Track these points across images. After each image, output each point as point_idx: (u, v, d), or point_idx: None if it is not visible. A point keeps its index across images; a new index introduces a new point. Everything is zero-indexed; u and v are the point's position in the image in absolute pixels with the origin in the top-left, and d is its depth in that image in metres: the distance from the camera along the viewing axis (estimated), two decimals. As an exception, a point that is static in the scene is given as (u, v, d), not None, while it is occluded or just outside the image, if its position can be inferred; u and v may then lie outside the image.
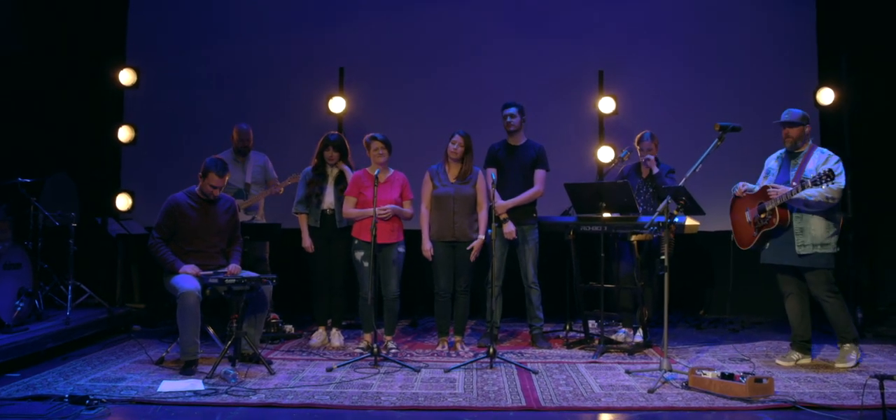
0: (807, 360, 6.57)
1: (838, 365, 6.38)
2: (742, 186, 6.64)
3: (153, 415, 5.02)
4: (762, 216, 6.41)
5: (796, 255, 6.35)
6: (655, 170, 7.44)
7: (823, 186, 6.01)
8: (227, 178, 6.57)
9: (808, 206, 6.26)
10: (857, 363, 6.36)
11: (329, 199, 7.34)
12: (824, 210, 6.27)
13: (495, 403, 5.29)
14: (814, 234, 6.29)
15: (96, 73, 9.38)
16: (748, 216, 6.56)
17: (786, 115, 6.49)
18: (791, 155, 6.52)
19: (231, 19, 9.64)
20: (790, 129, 6.45)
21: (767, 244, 6.53)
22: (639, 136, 7.64)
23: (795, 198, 6.21)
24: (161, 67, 9.55)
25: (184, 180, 6.78)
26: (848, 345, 6.43)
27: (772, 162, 6.72)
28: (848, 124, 8.91)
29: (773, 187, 6.37)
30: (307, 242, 7.35)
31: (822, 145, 8.12)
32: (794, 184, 6.19)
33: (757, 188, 6.54)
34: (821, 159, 6.34)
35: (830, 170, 5.92)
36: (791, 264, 6.44)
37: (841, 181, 6.16)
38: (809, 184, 6.00)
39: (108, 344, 7.36)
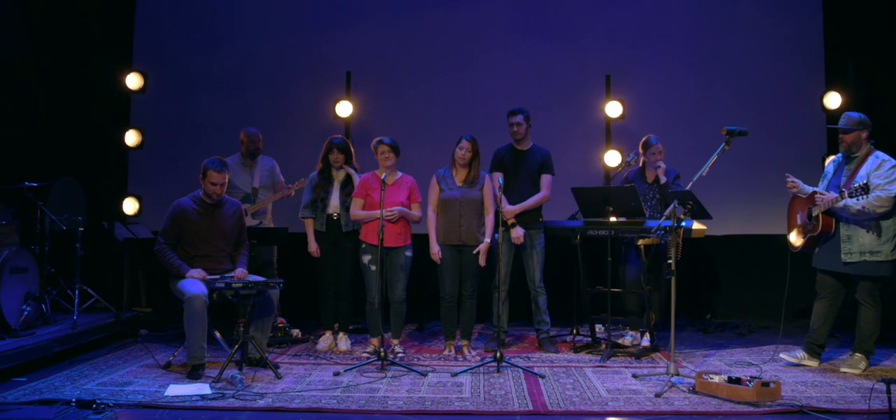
0: (813, 363, 6.55)
1: (844, 369, 6.36)
2: (793, 179, 6.57)
3: (160, 419, 5.02)
4: (809, 221, 6.40)
5: (842, 263, 6.31)
6: (662, 179, 7.42)
7: (862, 198, 5.95)
8: (227, 175, 6.56)
9: (853, 216, 6.20)
10: (862, 372, 6.33)
11: (335, 204, 7.33)
12: (871, 218, 6.19)
13: (502, 407, 5.28)
14: (862, 241, 6.22)
15: (103, 78, 9.41)
16: (799, 218, 6.56)
17: (842, 121, 6.42)
18: (847, 159, 6.45)
19: (238, 23, 9.66)
20: (844, 135, 6.38)
21: (817, 248, 6.51)
22: (644, 139, 7.61)
23: (840, 206, 6.16)
24: (168, 72, 9.58)
25: (190, 184, 6.79)
26: (859, 355, 6.40)
27: (829, 165, 6.68)
28: (855, 128, 8.89)
29: (820, 194, 6.34)
30: (313, 247, 7.34)
31: (830, 150, 8.11)
32: (844, 190, 6.10)
33: (809, 190, 6.51)
34: (874, 165, 6.24)
35: (865, 184, 5.84)
36: (839, 271, 6.39)
37: (891, 189, 6.08)
38: (846, 195, 5.95)
39: (114, 348, 7.35)
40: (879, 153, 6.33)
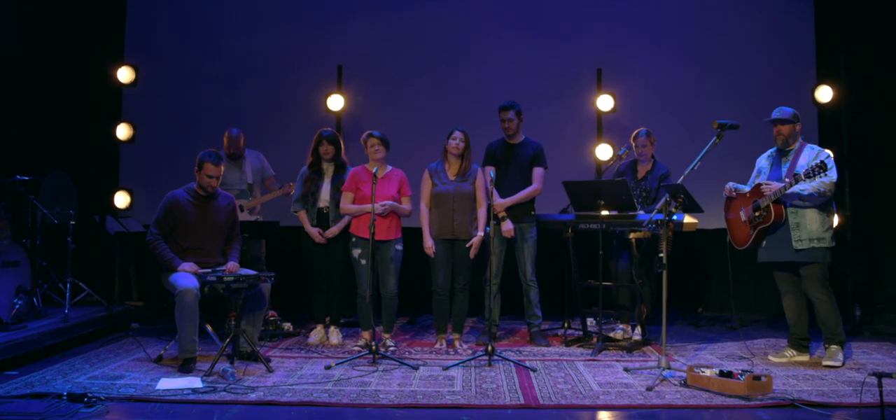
0: (804, 358, 6.57)
1: (826, 363, 6.34)
2: (731, 186, 6.66)
3: (151, 413, 5.01)
4: (757, 214, 6.42)
5: (793, 250, 6.35)
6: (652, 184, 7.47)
7: (816, 180, 6.02)
8: (223, 168, 6.57)
9: (803, 201, 6.27)
10: (843, 363, 6.35)
11: (325, 197, 7.32)
12: (818, 204, 6.28)
13: (494, 401, 5.28)
14: (810, 228, 6.30)
15: (95, 71, 9.39)
16: (743, 215, 6.57)
17: (776, 113, 6.52)
18: (782, 153, 6.55)
19: (229, 17, 9.64)
20: (781, 127, 6.48)
21: (763, 242, 6.55)
22: (634, 133, 7.63)
23: (789, 193, 6.22)
24: (159, 65, 9.55)
25: (182, 178, 6.78)
26: (835, 346, 6.42)
27: (763, 161, 6.74)
28: (846, 122, 8.89)
29: (766, 184, 6.39)
30: (314, 231, 7.29)
31: (821, 143, 8.16)
32: (787, 179, 6.21)
33: (748, 188, 6.55)
34: (811, 155, 6.35)
35: (823, 162, 5.91)
36: (788, 259, 6.45)
37: (833, 174, 6.19)
38: (802, 177, 6.01)
39: (106, 342, 7.35)
40: (813, 145, 6.50)
